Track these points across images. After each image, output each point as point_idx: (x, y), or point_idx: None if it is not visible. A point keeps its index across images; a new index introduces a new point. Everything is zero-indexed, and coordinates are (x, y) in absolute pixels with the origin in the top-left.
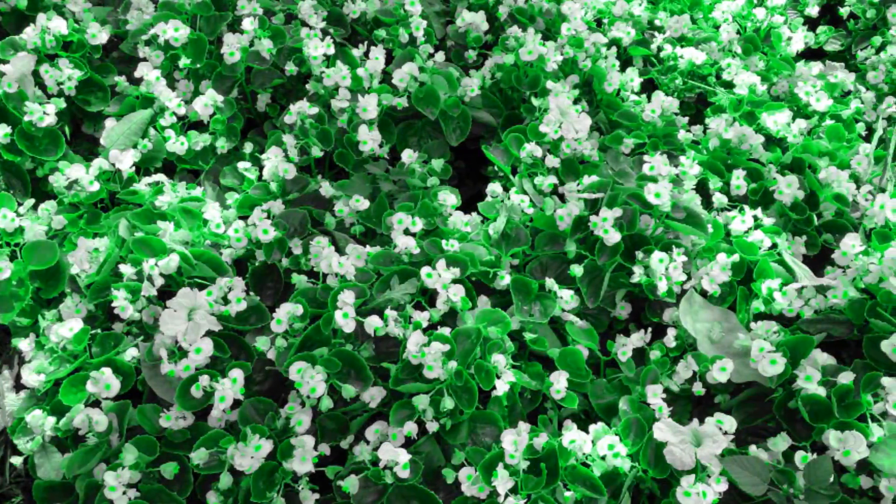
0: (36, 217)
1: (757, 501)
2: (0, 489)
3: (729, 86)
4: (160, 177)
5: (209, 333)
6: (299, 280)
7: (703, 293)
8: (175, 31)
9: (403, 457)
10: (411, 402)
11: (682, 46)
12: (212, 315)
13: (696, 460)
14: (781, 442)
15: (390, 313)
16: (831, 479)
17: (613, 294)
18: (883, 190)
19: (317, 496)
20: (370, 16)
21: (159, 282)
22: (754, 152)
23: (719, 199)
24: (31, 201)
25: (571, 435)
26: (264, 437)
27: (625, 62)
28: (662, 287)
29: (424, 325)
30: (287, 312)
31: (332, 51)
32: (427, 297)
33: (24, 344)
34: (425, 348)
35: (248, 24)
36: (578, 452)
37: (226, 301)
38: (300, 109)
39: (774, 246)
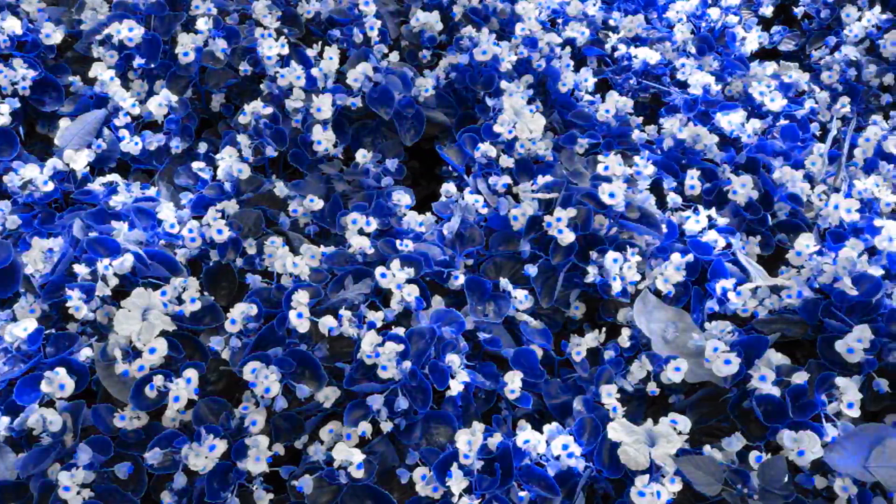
0: None
1: (711, 501)
2: None
3: (683, 86)
4: (114, 177)
5: (163, 333)
6: (254, 280)
7: (658, 293)
8: (129, 31)
9: (357, 457)
10: (365, 402)
11: (636, 46)
12: (166, 315)
13: (650, 460)
14: (736, 442)
15: (344, 313)
16: (785, 479)
17: (568, 294)
18: (837, 190)
19: (271, 496)
20: (324, 16)
21: (114, 282)
22: (708, 152)
23: (673, 198)
24: None
25: (526, 435)
26: (218, 436)
27: (579, 62)
28: (617, 287)
29: (379, 325)
30: (241, 312)
31: (286, 51)
32: (381, 297)
33: None
34: (379, 348)
35: (203, 24)
36: (533, 452)
37: (180, 301)
38: (254, 109)
39: (729, 246)
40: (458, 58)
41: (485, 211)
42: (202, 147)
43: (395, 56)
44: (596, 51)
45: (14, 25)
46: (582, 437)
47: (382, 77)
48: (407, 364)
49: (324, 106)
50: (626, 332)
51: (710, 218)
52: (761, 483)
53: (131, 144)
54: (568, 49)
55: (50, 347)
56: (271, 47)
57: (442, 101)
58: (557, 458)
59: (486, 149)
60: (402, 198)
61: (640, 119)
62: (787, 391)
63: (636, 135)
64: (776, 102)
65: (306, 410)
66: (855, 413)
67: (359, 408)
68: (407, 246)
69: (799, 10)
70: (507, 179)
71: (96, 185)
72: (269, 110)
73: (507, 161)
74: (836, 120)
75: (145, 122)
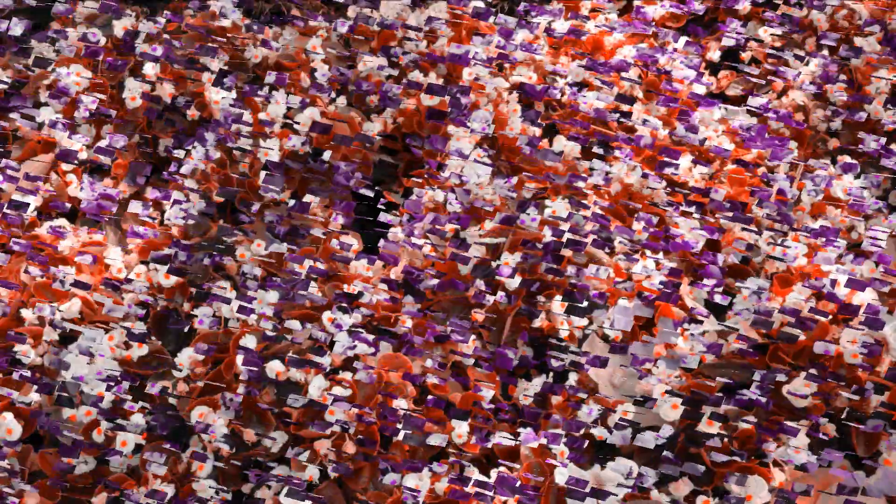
0: None
1: None
2: None
3: (631, 130)
4: (62, 221)
5: (111, 378)
6: (201, 325)
7: (605, 337)
8: (77, 76)
9: (305, 502)
10: (313, 447)
11: (584, 91)
12: (114, 359)
13: None
14: (683, 486)
15: (292, 357)
16: None
17: (516, 338)
18: (785, 234)
19: None
20: (272, 60)
21: (61, 326)
22: (656, 197)
23: (622, 243)
24: None
25: (473, 479)
26: (166, 481)
27: (526, 106)
28: (564, 331)
29: (326, 369)
30: (189, 357)
31: (233, 95)
32: (329, 341)
33: None
34: (327, 392)
35: (150, 69)
36: (481, 497)
37: (128, 346)
38: (202, 154)
39: (677, 290)
40: (406, 102)
41: (433, 255)
42: (150, 192)
43: (342, 100)
44: (544, 95)
45: None
46: (530, 482)
47: (330, 122)
48: (354, 409)
49: (271, 150)
50: (573, 377)
51: (657, 262)
52: None
53: (79, 189)
54: (515, 93)
55: None
56: (218, 92)
57: (390, 146)
58: (505, 502)
59: (433, 193)
60: (350, 242)
61: (588, 164)
62: (735, 435)
63: (584, 179)
64: (723, 147)
65: (254, 455)
66: (802, 457)
67: (306, 452)
68: (355, 290)
69: (746, 55)
70: (455, 224)
71: (44, 230)
72: (217, 155)
73: (455, 206)
74: (784, 164)
75: (93, 167)
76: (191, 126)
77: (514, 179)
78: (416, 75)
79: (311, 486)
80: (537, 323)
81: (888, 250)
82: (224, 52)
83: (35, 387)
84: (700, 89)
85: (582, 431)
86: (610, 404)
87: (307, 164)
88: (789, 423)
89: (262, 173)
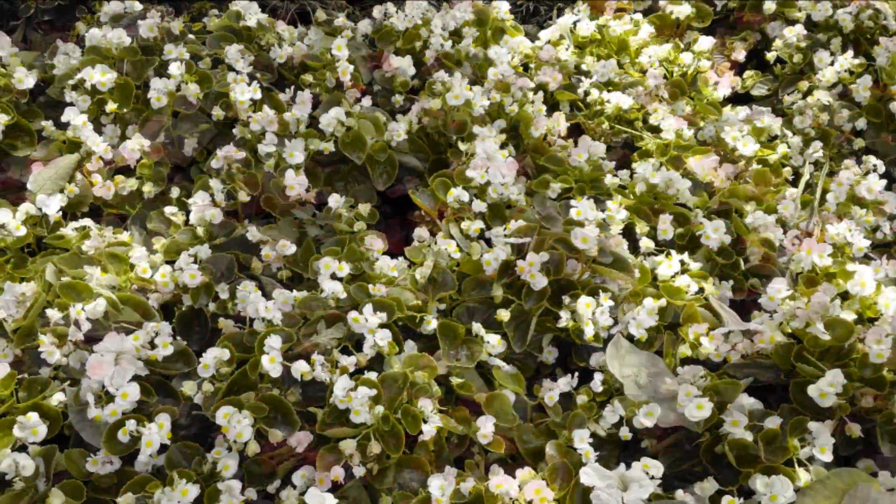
0: None
1: None
2: None
3: (656, 130)
4: (87, 221)
5: (136, 378)
6: (226, 325)
7: (630, 338)
8: (102, 76)
9: (330, 501)
10: (338, 447)
11: (608, 91)
12: (138, 360)
13: None
14: (708, 486)
15: (317, 358)
16: None
17: (540, 338)
18: (810, 234)
19: None
20: (297, 60)
21: (86, 326)
22: (681, 197)
23: (646, 243)
24: None
25: (498, 479)
26: (191, 481)
27: (552, 107)
28: (589, 332)
29: (351, 369)
30: (214, 357)
31: (258, 95)
32: (354, 342)
33: None
34: (352, 393)
35: (175, 69)
36: (505, 497)
37: (153, 345)
38: (227, 154)
39: (701, 290)
40: (431, 102)
41: (458, 255)
42: (175, 191)
43: (367, 101)
44: (569, 95)
45: None
46: (555, 482)
47: (355, 122)
48: (379, 409)
49: (296, 150)
50: (598, 377)
51: (682, 262)
52: None
53: (104, 189)
54: (540, 94)
55: (22, 392)
56: (244, 92)
57: (414, 146)
58: (530, 502)
59: (458, 193)
60: (375, 242)
61: (613, 163)
62: (760, 436)
63: (608, 179)
64: (748, 147)
65: (279, 455)
66: (827, 457)
67: (331, 452)
68: (379, 290)
69: (771, 55)
70: (479, 224)
71: (69, 230)
72: (242, 155)
73: (479, 205)
74: (809, 164)
75: (118, 167)
76: (216, 125)
77: None
78: (441, 75)
79: (336, 486)
80: (563, 323)
81: None
82: (249, 52)
83: (60, 387)
84: (725, 89)
85: (607, 431)
86: (635, 404)
87: (332, 165)
88: (814, 423)
89: (289, 172)
